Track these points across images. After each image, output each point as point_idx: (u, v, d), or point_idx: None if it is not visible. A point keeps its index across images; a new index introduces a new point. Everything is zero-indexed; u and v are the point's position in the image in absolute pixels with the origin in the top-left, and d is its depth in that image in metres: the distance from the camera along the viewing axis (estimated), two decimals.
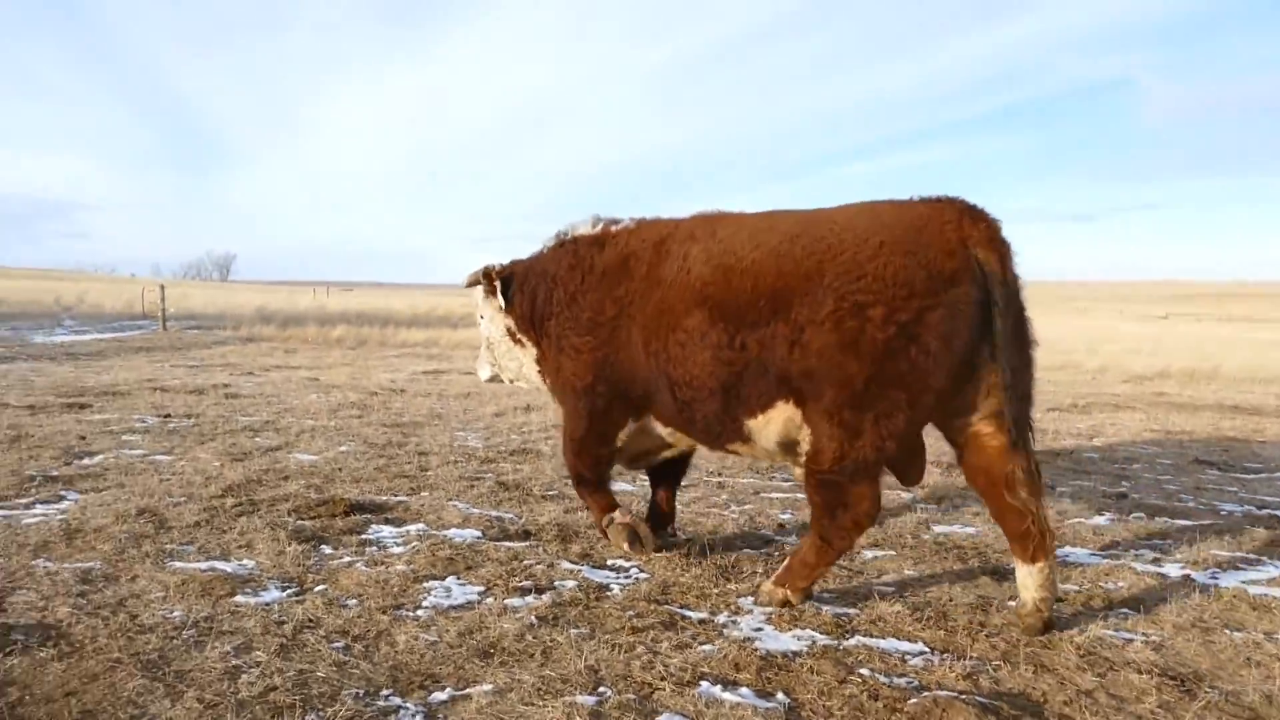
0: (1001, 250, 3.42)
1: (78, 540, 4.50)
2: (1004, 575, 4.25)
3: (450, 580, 4.13)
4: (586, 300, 4.28)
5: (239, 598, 3.80)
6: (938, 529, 5.26)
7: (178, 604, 3.70)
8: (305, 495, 5.56)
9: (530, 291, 4.61)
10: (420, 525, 5.05)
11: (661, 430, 4.34)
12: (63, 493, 5.54)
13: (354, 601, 3.82)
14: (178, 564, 4.22)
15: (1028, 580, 3.61)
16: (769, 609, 3.82)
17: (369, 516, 5.16)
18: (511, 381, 5.07)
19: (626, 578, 4.27)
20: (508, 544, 4.70)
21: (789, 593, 3.83)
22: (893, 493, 5.93)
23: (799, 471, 3.93)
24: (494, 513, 5.35)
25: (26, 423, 7.94)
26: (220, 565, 4.21)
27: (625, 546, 4.44)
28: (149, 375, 12.84)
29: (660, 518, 4.87)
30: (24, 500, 5.32)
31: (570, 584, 4.11)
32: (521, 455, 7.21)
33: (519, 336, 4.77)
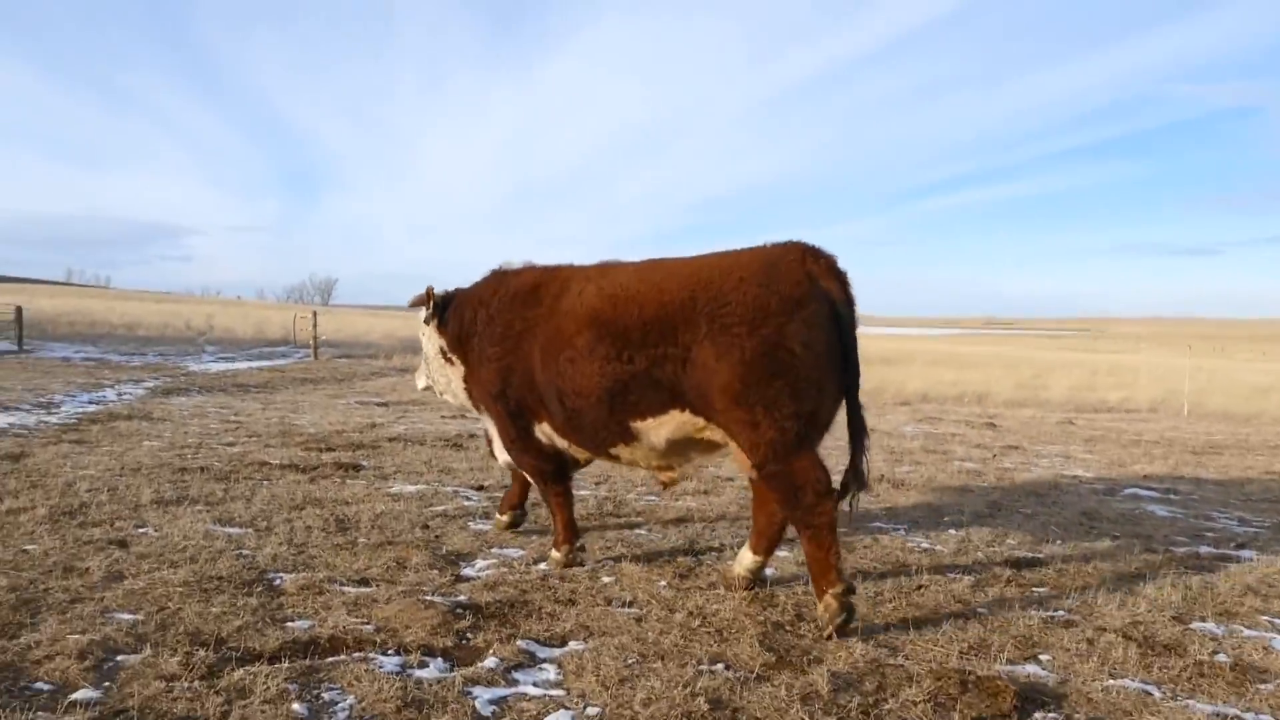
0: (840, 279, 3.99)
1: None
2: None
3: None
4: (501, 318, 4.77)
5: None
6: None
7: None
8: (907, 667, 3.54)
9: (460, 315, 5.06)
10: (1091, 712, 2.99)
11: (552, 438, 4.77)
12: (527, 646, 3.62)
13: None
14: None
15: (744, 561, 4.50)
16: (838, 621, 3.77)
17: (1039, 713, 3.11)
18: (440, 394, 5.47)
19: None
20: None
21: (831, 594, 3.80)
22: None
23: (664, 475, 4.66)
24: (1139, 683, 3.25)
25: (322, 496, 6.17)
26: None
27: (563, 567, 4.77)
28: (363, 418, 11.14)
29: (518, 505, 5.52)
30: (492, 664, 3.40)
31: None
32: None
33: (449, 355, 5.18)
